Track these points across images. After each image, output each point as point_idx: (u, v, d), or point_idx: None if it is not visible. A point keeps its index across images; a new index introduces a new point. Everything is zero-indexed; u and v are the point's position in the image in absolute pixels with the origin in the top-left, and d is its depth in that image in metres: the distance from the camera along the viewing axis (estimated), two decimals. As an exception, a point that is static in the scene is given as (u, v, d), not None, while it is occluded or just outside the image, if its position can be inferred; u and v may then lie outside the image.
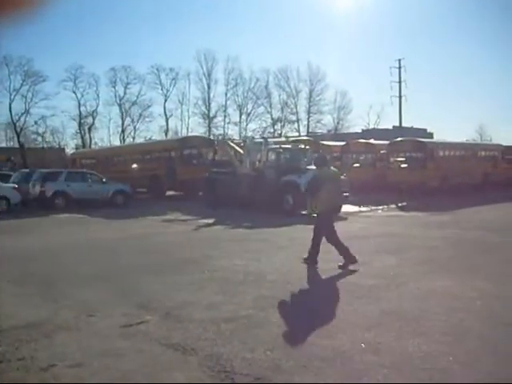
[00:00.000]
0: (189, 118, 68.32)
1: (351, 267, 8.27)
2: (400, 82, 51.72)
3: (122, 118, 66.27)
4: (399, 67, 51.84)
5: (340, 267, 8.29)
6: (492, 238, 11.73)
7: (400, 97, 51.49)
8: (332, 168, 9.68)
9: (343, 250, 8.47)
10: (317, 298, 6.70)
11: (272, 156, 19.93)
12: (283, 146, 20.79)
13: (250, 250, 10.53)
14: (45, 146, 58.27)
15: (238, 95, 67.83)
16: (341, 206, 16.99)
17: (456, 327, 5.27)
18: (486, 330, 5.14)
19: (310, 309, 6.12)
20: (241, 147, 21.60)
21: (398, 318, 5.55)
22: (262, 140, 22.40)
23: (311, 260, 8.60)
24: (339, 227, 9.23)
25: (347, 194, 17.55)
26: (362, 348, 4.69)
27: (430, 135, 59.89)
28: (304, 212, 16.01)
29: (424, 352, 4.54)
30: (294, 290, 7.05)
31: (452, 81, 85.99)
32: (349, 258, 8.37)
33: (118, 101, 65.75)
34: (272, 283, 7.49)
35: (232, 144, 22.73)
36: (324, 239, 8.65)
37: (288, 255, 9.91)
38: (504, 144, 36.44)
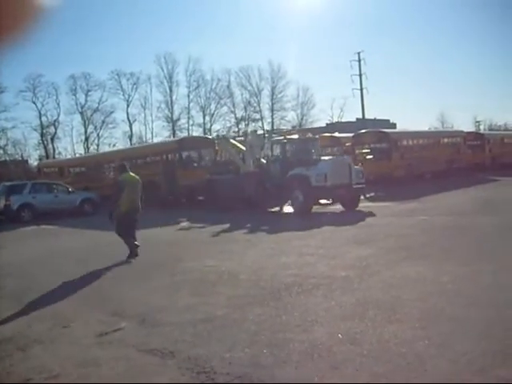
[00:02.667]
0: (152, 122, 67.67)
1: (130, 259, 9.96)
2: (360, 74, 52.37)
3: (85, 126, 65.22)
4: (359, 60, 52.45)
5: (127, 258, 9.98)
6: (460, 222, 11.99)
7: (361, 89, 52.10)
8: (132, 174, 10.77)
9: (131, 245, 10.12)
10: (292, 292, 6.72)
11: (277, 149, 18.54)
12: (289, 136, 19.13)
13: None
14: (7, 158, 57.04)
15: (200, 96, 67.56)
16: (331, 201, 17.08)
17: (429, 312, 5.37)
18: (458, 312, 5.24)
19: (285, 304, 6.14)
20: (243, 144, 20.17)
21: (373, 307, 5.62)
22: (264, 133, 21.46)
23: (133, 254, 10.08)
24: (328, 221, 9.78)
25: (362, 185, 16.84)
26: (339, 339, 4.74)
27: (393, 126, 60.81)
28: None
29: (400, 338, 4.61)
30: (268, 287, 7.07)
31: (411, 71, 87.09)
32: (132, 253, 10.07)
33: (80, 109, 64.70)
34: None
35: (233, 141, 21.31)
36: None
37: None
38: (465, 130, 37.24)
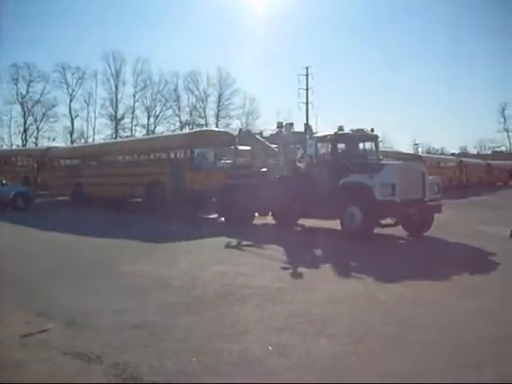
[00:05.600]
0: (95, 119, 66.53)
1: None
2: (307, 88, 53.28)
3: (25, 118, 63.56)
4: (306, 74, 53.46)
5: None
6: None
7: (307, 103, 52.97)
8: None
9: None
10: (225, 302, 6.70)
11: (322, 149, 14.23)
12: (340, 132, 14.16)
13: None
14: None
15: (146, 97, 67.17)
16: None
17: (359, 328, 5.47)
18: (386, 330, 5.37)
19: (218, 313, 6.11)
20: (271, 141, 16.65)
21: (305, 321, 5.68)
22: (304, 129, 16.44)
23: None
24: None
25: (438, 201, 12.91)
26: (269, 351, 4.76)
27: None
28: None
29: (329, 353, 4.68)
30: (200, 295, 7.01)
31: (357, 90, 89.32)
32: None
33: (20, 99, 62.92)
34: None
35: (259, 137, 17.29)
36: None
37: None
38: (404, 151, 38.41)
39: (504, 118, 73.93)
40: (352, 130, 14.31)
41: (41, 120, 64.10)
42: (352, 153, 13.92)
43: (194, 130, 25.62)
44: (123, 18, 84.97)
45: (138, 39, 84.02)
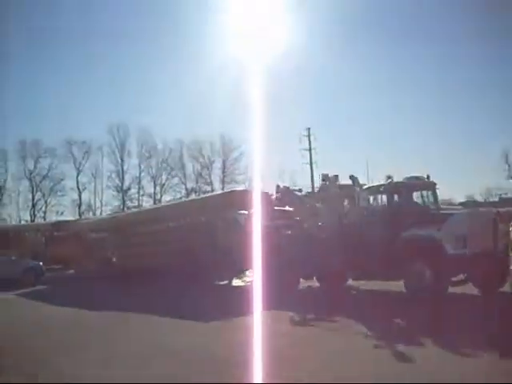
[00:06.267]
0: (102, 191, 66.78)
1: None
2: (310, 149, 53.53)
3: (33, 193, 63.92)
4: (308, 135, 53.91)
5: None
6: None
7: (311, 164, 53.06)
8: None
9: None
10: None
11: (375, 201, 13.05)
12: (396, 181, 12.87)
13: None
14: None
15: (151, 167, 67.49)
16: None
17: None
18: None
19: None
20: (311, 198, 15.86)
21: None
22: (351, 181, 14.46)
23: None
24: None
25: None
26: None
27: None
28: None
29: None
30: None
31: (358, 142, 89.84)
32: None
33: (28, 175, 63.56)
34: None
35: (298, 193, 16.74)
36: None
37: None
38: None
39: (508, 165, 73.68)
40: (406, 178, 13.00)
41: (49, 194, 64.46)
42: (409, 203, 12.67)
43: (226, 190, 19.01)
44: (127, 90, 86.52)
45: (140, 109, 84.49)
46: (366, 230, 12.41)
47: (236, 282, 17.90)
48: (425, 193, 13.28)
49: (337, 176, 15.03)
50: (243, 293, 14.80)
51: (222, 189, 67.32)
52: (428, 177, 13.21)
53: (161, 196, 67.30)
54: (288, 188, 17.27)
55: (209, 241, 17.92)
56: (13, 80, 66.94)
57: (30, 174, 63.60)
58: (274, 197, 17.14)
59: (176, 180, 68.37)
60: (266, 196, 18.41)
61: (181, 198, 64.91)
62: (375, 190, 13.02)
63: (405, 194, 12.83)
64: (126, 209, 59.61)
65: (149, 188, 67.76)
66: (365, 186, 13.45)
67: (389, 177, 13.33)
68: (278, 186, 17.17)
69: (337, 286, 13.77)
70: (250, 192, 19.23)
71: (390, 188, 12.67)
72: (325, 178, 15.07)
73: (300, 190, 16.88)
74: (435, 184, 13.28)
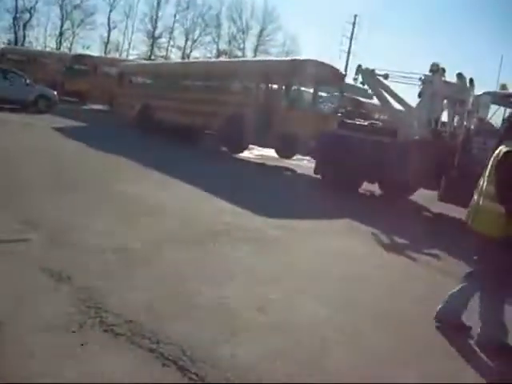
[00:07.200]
0: (132, 33, 65.27)
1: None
2: (351, 37, 51.37)
3: (62, 21, 62.49)
4: (354, 23, 51.43)
5: None
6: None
7: (349, 52, 51.19)
8: None
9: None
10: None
11: (486, 111, 9.96)
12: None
13: None
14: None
15: (187, 19, 65.30)
16: None
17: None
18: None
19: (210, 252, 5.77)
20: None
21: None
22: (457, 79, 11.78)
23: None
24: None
25: None
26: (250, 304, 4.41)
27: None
28: None
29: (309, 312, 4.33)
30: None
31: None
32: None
33: (60, 1, 61.82)
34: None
35: (383, 81, 12.51)
36: None
37: None
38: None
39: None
40: None
41: (78, 26, 63.14)
42: None
43: (298, 58, 16.92)
44: None
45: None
46: (467, 144, 9.97)
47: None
48: None
49: (444, 70, 11.66)
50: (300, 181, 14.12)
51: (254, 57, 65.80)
52: None
53: (190, 51, 65.73)
54: (371, 70, 12.64)
55: (261, 111, 15.66)
56: None
57: (62, 0, 61.94)
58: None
59: (209, 38, 66.45)
60: (337, 74, 16.82)
61: (210, 57, 63.60)
62: (494, 97, 9.97)
63: None
64: (152, 56, 58.64)
65: (180, 40, 66.01)
66: (491, 91, 10.34)
67: (503, 86, 10.68)
68: (359, 66, 12.86)
69: (399, 197, 12.22)
70: (321, 65, 16.27)
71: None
72: (434, 67, 11.42)
73: (386, 77, 12.39)
74: None
